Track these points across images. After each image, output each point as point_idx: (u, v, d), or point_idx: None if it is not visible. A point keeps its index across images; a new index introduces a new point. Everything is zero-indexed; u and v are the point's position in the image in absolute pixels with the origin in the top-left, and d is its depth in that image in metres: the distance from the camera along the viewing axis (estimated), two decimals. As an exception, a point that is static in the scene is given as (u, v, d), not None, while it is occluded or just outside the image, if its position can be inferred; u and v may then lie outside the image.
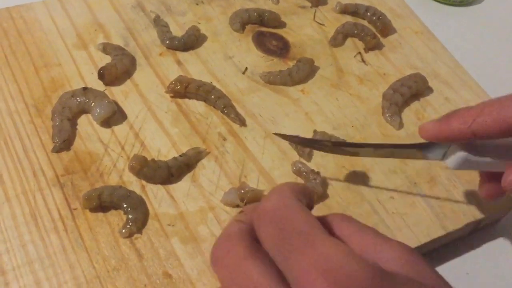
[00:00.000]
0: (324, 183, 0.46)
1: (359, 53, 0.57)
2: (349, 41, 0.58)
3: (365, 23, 0.60)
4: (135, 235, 0.41)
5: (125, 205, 0.42)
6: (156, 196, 0.44)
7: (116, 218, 0.42)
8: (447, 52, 0.59)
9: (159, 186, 0.44)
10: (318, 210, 0.44)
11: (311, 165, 0.47)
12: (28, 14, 0.54)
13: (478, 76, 0.57)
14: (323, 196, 0.45)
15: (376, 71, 0.56)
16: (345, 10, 0.61)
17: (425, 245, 0.44)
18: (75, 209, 0.42)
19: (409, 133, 0.51)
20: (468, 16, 0.70)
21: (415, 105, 0.53)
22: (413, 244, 0.43)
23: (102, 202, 0.41)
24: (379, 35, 0.59)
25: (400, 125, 0.51)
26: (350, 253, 0.22)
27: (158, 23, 0.55)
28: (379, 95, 0.53)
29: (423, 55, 0.58)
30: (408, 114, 0.53)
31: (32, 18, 0.54)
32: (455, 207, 0.46)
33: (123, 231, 0.41)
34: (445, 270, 0.45)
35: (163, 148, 0.46)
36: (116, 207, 0.42)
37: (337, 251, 0.22)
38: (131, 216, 0.41)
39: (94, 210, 0.42)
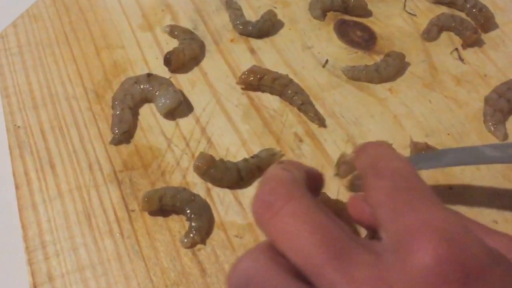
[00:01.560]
0: (416, 199, 0.39)
1: (456, 49, 0.50)
2: (444, 35, 0.51)
3: (462, 15, 0.53)
4: (198, 246, 0.36)
5: (188, 211, 0.37)
6: (222, 201, 0.38)
7: (178, 224, 0.37)
8: (558, 53, 0.51)
9: (226, 190, 0.39)
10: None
11: (400, 177, 0.40)
12: (91, -11, 0.50)
13: None
14: (414, 215, 0.39)
15: (475, 71, 0.48)
16: (440, -1, 0.53)
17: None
18: (132, 210, 0.37)
19: (515, 146, 0.43)
20: None
21: (522, 113, 0.46)
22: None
23: (163, 205, 0.37)
24: (479, 30, 0.51)
25: (505, 136, 0.44)
26: (466, 227, 0.21)
27: (231, 5, 0.50)
28: (479, 99, 0.46)
29: (530, 55, 0.50)
30: (514, 123, 0.45)
31: (95, -6, 0.50)
32: None
33: (185, 240, 0.36)
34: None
35: (232, 147, 0.41)
36: (178, 211, 0.37)
37: (455, 219, 0.21)
38: (194, 223, 0.36)
39: (153, 213, 0.37)
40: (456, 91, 0.47)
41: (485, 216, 0.39)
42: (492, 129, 0.44)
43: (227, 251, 0.36)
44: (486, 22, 0.51)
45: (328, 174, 0.40)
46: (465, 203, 0.39)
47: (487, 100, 0.45)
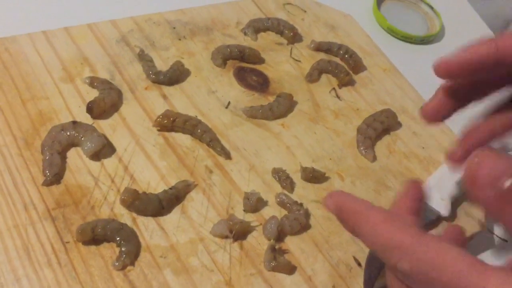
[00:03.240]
0: (307, 214, 0.48)
1: (334, 88, 0.61)
2: (323, 77, 0.62)
3: (337, 60, 0.64)
4: (128, 267, 0.42)
5: (118, 238, 0.43)
6: (147, 228, 0.45)
7: (109, 251, 0.43)
8: (412, 88, 0.64)
9: (150, 218, 0.46)
10: (302, 240, 0.47)
11: (294, 196, 0.49)
12: (13, 46, 0.55)
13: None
14: (306, 227, 0.48)
15: (349, 106, 0.59)
16: (319, 47, 0.65)
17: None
18: (67, 242, 0.43)
19: (382, 166, 0.55)
20: (428, 53, 0.75)
21: (386, 138, 0.57)
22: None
23: (96, 235, 0.42)
24: (351, 72, 0.63)
25: (374, 158, 0.55)
26: None
27: (143, 57, 0.57)
28: (353, 129, 0.57)
29: (391, 91, 0.63)
30: (381, 147, 0.56)
31: (17, 50, 0.55)
32: (426, 235, 0.49)
33: (117, 263, 0.42)
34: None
35: (153, 181, 0.48)
36: (109, 239, 0.43)
37: None
38: (124, 248, 0.42)
39: (87, 243, 0.43)
40: (335, 123, 0.57)
41: (361, 222, 0.49)
42: (364, 153, 0.55)
43: (154, 270, 0.42)
44: (356, 65, 0.63)
45: (236, 198, 0.48)
46: (345, 213, 0.49)
47: (358, 130, 0.56)
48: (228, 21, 0.64)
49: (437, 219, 0.50)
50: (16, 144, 0.48)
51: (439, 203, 0.50)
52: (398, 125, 0.59)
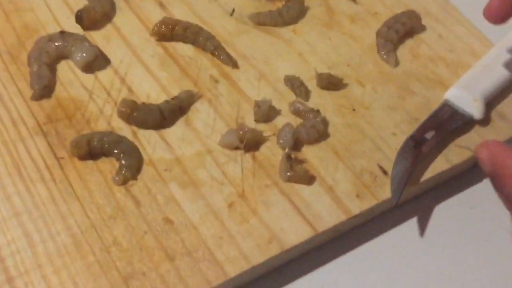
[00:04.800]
0: (325, 122, 0.44)
1: (349, -8, 0.55)
2: (337, -19, 0.56)
3: (352, -37, 0.58)
4: (130, 182, 0.38)
5: (117, 151, 0.39)
6: (149, 141, 0.41)
7: (108, 165, 0.39)
8: (436, -9, 0.58)
9: (152, 131, 0.41)
10: (320, 149, 0.42)
11: (310, 104, 0.45)
12: (-9, -43, 0.49)
13: (467, 13, 0.55)
14: (324, 135, 0.43)
15: (367, 10, 0.54)
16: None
17: (430, 180, 0.43)
18: (61, 158, 0.39)
19: (405, 70, 0.49)
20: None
21: (409, 42, 0.52)
22: (423, 178, 0.42)
23: (92, 148, 0.38)
24: (367, -26, 0.56)
25: (396, 63, 0.49)
26: None
27: (136, -35, 0.51)
28: (372, 34, 0.51)
29: (412, -6, 0.56)
30: (403, 51, 0.51)
31: (-4, -39, 0.49)
32: (458, 142, 0.45)
33: (117, 178, 0.38)
34: (449, 205, 0.45)
35: (153, 92, 0.43)
36: (108, 154, 0.39)
37: None
38: (124, 162, 0.38)
39: (83, 158, 0.39)
40: (352, 28, 0.52)
41: (386, 130, 0.44)
42: (385, 57, 0.49)
43: (158, 184, 0.39)
44: (373, -33, 0.57)
45: (245, 108, 0.44)
46: (366, 121, 0.45)
47: (378, 33, 0.51)
48: None
49: (469, 123, 0.45)
50: (1, 58, 0.43)
51: (471, 104, 0.45)
52: (422, 28, 0.53)
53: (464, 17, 0.55)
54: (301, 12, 0.51)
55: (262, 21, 0.50)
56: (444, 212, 0.44)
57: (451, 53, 0.51)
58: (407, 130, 0.44)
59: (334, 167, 0.42)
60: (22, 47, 0.44)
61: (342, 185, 0.40)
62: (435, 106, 0.46)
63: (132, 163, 0.39)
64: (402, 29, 0.51)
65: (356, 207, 0.39)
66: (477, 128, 0.46)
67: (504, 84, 0.47)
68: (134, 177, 0.38)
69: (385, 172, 0.42)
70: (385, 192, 0.41)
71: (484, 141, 0.30)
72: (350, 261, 0.40)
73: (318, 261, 0.39)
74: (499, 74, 0.47)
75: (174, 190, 0.38)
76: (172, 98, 0.43)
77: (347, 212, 0.39)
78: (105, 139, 0.39)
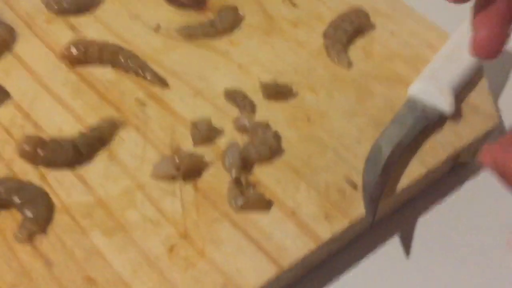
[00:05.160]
0: (277, 136, 0.37)
1: (287, -3, 0.49)
2: (273, -13, 0.51)
3: (286, -32, 0.53)
4: (38, 237, 0.30)
5: (18, 201, 0.30)
6: (62, 184, 0.33)
7: (8, 219, 0.30)
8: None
9: (66, 171, 0.33)
10: (275, 168, 0.35)
11: (257, 118, 0.38)
12: None
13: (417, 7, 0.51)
14: (278, 151, 0.36)
15: (309, 13, 0.48)
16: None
17: (408, 188, 0.36)
18: None
19: (361, 72, 0.43)
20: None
21: (360, 42, 0.46)
22: (399, 188, 0.35)
23: (-16, 201, 0.30)
24: (305, -23, 0.51)
25: (349, 63, 0.44)
26: None
27: (40, -13, 0.44)
28: (318, 37, 0.46)
29: (356, -6, 0.52)
30: (355, 52, 0.45)
31: None
32: (432, 142, 0.39)
33: (19, 234, 0.30)
34: (433, 216, 0.38)
35: (65, 125, 0.36)
36: (6, 205, 0.31)
37: None
38: (28, 212, 0.30)
39: (-26, 214, 0.30)
40: (295, 33, 0.46)
41: (348, 138, 0.38)
42: (336, 59, 0.44)
43: (75, 235, 0.30)
44: (309, -31, 0.52)
45: (181, 131, 0.37)
46: (325, 131, 0.38)
47: (325, 35, 0.45)
48: None
49: (440, 119, 0.40)
50: None
51: (439, 97, 0.39)
52: (371, 26, 0.48)
53: (414, 11, 0.50)
54: (235, 21, 0.45)
55: (193, 33, 0.43)
56: (429, 224, 0.37)
57: (406, 49, 0.46)
58: (373, 135, 0.38)
59: (294, 187, 0.34)
60: None
61: (306, 208, 0.33)
62: (399, 105, 0.41)
63: (39, 213, 0.30)
64: (351, 28, 0.46)
65: (326, 231, 0.32)
66: (449, 124, 0.40)
67: (470, 72, 0.42)
68: (43, 230, 0.30)
69: (354, 187, 0.35)
70: (357, 209, 0.34)
71: (486, 146, 0.25)
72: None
73: (289, 305, 0.32)
74: (464, 63, 0.42)
75: (96, 240, 0.30)
76: (89, 129, 0.35)
77: (316, 238, 0.31)
78: (1, 186, 0.30)
